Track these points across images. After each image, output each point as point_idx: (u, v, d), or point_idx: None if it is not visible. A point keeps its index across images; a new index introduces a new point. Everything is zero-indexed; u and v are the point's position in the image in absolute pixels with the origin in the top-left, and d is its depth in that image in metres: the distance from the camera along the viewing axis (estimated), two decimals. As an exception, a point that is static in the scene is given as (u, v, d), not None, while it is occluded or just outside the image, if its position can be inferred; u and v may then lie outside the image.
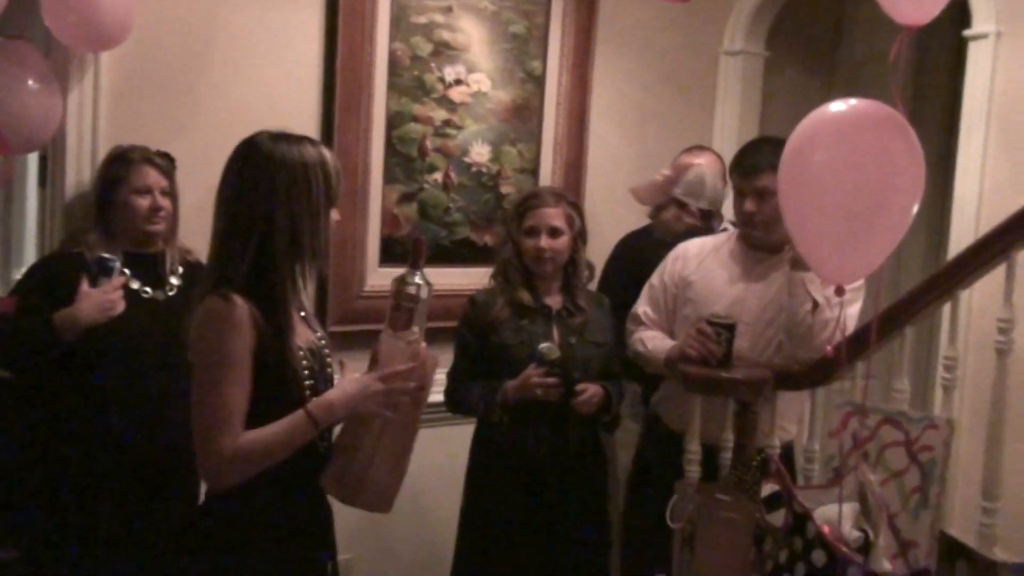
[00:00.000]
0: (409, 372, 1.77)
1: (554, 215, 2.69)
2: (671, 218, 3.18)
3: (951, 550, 1.91)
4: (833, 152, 1.91)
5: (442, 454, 3.18)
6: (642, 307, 2.81)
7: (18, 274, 3.11)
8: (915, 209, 1.85)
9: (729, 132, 4.06)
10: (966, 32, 3.32)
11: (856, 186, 1.85)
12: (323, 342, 1.88)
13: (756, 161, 2.54)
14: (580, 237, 2.75)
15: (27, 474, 2.61)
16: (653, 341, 2.71)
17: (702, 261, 2.72)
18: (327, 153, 1.77)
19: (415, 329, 1.79)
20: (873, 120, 1.84)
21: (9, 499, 2.66)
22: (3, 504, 2.67)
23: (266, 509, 1.73)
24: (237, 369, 1.64)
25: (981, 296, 2.66)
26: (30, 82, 2.58)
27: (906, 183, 1.80)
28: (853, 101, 1.97)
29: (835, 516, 1.76)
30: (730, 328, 2.45)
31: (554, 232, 2.68)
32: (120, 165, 2.61)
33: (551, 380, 2.56)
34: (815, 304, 2.44)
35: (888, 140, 1.80)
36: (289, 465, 1.70)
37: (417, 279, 1.80)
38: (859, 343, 2.24)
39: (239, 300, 1.66)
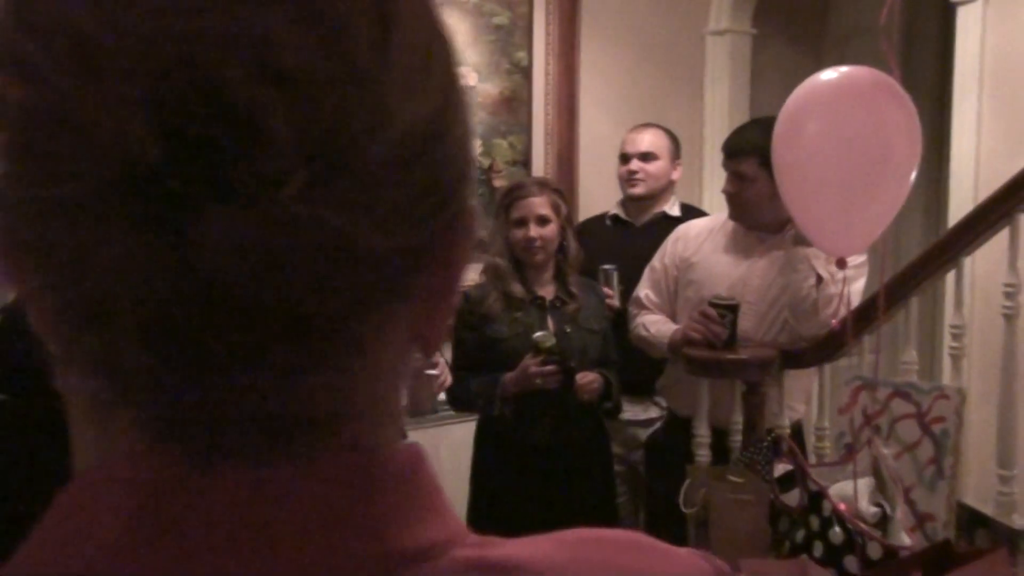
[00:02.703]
0: None
1: (540, 204, 2.68)
2: None
3: (970, 520, 1.89)
4: (826, 121, 1.89)
5: (450, 452, 3.16)
6: (644, 290, 2.79)
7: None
8: (914, 175, 1.83)
9: (720, 113, 4.03)
10: (953, -2, 3.30)
11: (851, 155, 1.83)
12: None
13: (737, 144, 2.53)
14: (568, 224, 2.74)
15: (33, 494, 2.59)
16: (656, 325, 2.68)
17: (703, 242, 2.69)
18: None
19: None
20: (865, 86, 1.81)
21: (15, 519, 2.64)
22: (9, 523, 2.64)
23: None
24: None
25: (984, 263, 2.63)
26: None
27: (903, 149, 1.77)
28: (844, 68, 1.94)
29: (850, 493, 1.74)
30: (733, 309, 2.42)
31: (542, 220, 2.67)
32: None
33: (549, 368, 2.55)
34: (819, 279, 2.41)
35: (882, 105, 1.77)
36: None
37: None
38: (865, 316, 2.22)
39: None
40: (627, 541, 0.42)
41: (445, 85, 0.37)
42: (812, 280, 2.43)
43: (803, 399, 2.67)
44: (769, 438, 1.99)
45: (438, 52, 0.37)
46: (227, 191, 0.30)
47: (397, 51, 0.34)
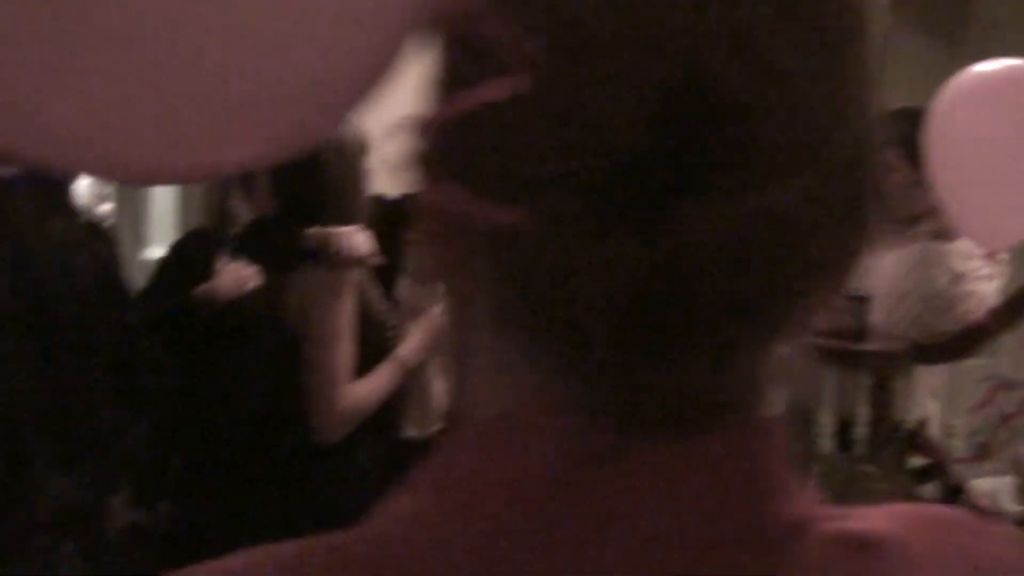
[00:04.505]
0: None
1: None
2: None
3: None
4: (982, 113, 1.85)
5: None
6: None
7: (149, 254, 3.21)
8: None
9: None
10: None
11: (1010, 148, 1.79)
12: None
13: None
14: None
15: (174, 439, 2.71)
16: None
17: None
18: None
19: None
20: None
21: (157, 461, 2.76)
22: (151, 464, 2.77)
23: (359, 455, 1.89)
24: (349, 331, 1.80)
25: None
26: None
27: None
28: (1002, 61, 1.90)
29: (990, 490, 1.72)
30: (864, 300, 2.39)
31: None
32: None
33: None
34: (955, 276, 2.36)
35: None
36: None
37: None
38: (1006, 314, 2.16)
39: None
40: (960, 519, 0.43)
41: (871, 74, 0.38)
42: (947, 277, 2.38)
43: (929, 394, 2.62)
44: (902, 431, 1.98)
45: (871, 42, 0.38)
46: (710, 185, 0.31)
47: (862, 46, 0.35)
